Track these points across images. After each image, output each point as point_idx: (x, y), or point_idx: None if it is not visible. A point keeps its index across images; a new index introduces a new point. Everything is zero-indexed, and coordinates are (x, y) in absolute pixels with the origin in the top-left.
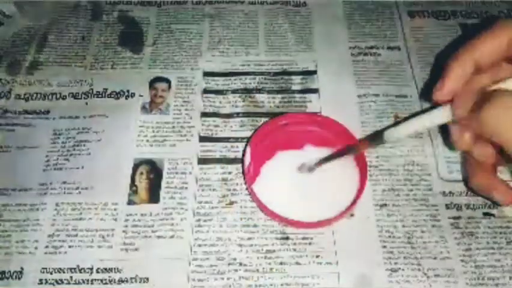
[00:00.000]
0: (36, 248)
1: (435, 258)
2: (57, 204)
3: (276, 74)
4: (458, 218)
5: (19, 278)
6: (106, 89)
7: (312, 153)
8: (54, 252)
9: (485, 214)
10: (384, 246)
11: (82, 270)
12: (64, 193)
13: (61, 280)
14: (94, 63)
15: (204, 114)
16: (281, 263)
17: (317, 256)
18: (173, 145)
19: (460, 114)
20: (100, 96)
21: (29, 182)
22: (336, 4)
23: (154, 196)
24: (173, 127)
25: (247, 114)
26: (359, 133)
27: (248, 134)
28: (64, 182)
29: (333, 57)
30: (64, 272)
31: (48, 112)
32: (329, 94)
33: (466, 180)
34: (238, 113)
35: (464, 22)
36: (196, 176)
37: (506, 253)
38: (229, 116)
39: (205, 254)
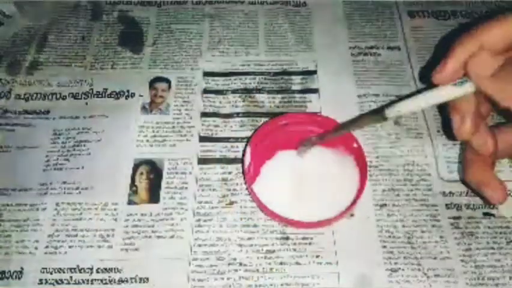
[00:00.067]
0: (36, 248)
1: (435, 258)
2: (57, 204)
3: (276, 74)
4: (458, 218)
5: (19, 278)
6: (106, 89)
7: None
8: (54, 252)
9: (485, 214)
10: (384, 246)
11: (82, 270)
12: (64, 193)
13: (61, 280)
14: (94, 63)
15: (204, 114)
16: (281, 263)
17: (317, 256)
18: (173, 145)
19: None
20: (100, 96)
21: (29, 182)
22: (336, 4)
23: (154, 196)
24: (173, 127)
25: (247, 114)
26: (359, 133)
27: (248, 134)
28: (64, 182)
29: (333, 57)
30: (63, 272)
31: (48, 112)
32: (329, 94)
33: (462, 177)
34: (238, 113)
35: (464, 22)
36: (196, 176)
37: (506, 253)
38: (229, 116)
39: (205, 254)
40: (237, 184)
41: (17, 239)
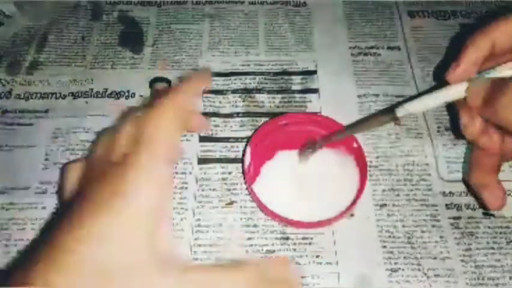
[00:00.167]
0: None
1: (435, 258)
2: (56, 204)
3: (276, 74)
4: (458, 218)
5: None
6: (106, 89)
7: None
8: None
9: (485, 214)
10: (384, 246)
11: None
12: None
13: None
14: (94, 63)
15: (204, 114)
16: None
17: (317, 256)
18: None
19: (473, 103)
20: (99, 96)
21: (28, 181)
22: (336, 4)
23: None
24: None
25: (247, 114)
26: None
27: (248, 134)
28: None
29: (333, 57)
30: None
31: (48, 112)
32: (329, 94)
33: (465, 179)
34: (238, 113)
35: (464, 22)
36: (196, 176)
37: (506, 253)
38: (229, 116)
39: (205, 254)
40: (237, 184)
41: (16, 238)
